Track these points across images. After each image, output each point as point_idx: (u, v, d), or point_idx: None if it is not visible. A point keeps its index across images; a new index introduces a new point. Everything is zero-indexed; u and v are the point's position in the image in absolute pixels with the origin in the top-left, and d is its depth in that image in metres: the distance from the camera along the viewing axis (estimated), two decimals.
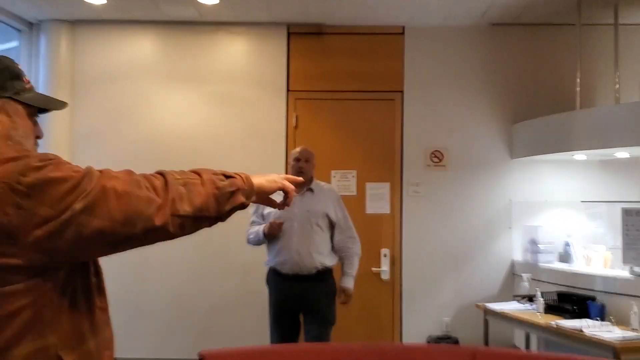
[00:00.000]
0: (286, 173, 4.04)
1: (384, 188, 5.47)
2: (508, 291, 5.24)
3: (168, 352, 5.26)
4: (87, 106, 5.43)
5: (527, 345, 4.86)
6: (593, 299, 4.26)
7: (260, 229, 4.16)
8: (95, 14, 5.25)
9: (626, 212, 4.21)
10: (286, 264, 4.09)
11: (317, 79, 5.49)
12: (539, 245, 4.98)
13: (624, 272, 4.33)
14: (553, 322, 4.03)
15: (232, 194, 1.41)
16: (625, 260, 4.27)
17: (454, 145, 5.47)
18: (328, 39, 5.52)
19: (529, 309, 4.46)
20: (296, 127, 5.45)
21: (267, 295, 4.26)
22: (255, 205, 3.42)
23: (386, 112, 5.52)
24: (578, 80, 5.04)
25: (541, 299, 4.36)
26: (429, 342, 5.05)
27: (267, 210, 4.12)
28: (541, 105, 5.30)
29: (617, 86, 4.90)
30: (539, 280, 4.83)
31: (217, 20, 5.41)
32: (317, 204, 4.22)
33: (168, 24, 5.45)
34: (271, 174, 1.55)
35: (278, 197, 1.62)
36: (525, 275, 4.88)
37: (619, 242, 4.31)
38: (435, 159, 5.50)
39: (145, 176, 1.31)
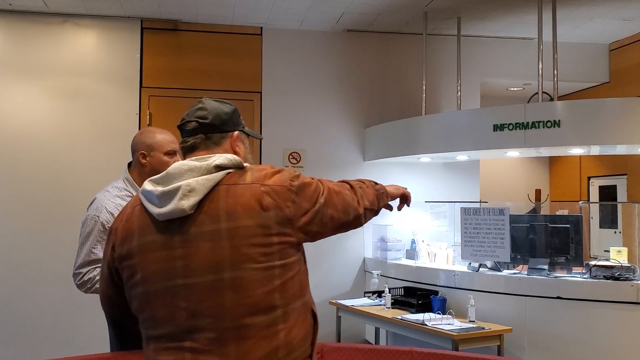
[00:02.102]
0: None
1: None
2: (360, 288, 5.43)
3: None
4: None
5: (377, 340, 5.07)
6: (436, 293, 4.53)
7: None
8: None
9: (464, 211, 4.52)
10: None
11: (173, 76, 5.36)
12: (387, 242, 5.22)
13: (462, 268, 4.65)
14: (399, 316, 4.24)
15: (382, 194, 1.89)
16: (464, 256, 4.59)
17: (311, 147, 5.57)
18: (184, 36, 5.41)
19: (378, 304, 4.65)
20: (150, 124, 5.28)
21: None
22: (100, 232, 2.64)
23: (245, 113, 5.41)
24: (424, 87, 5.34)
25: (389, 294, 4.57)
26: None
27: None
28: (391, 110, 5.56)
29: (459, 93, 5.25)
30: (388, 277, 5.05)
31: (65, 12, 5.11)
32: None
33: (10, 13, 5.06)
34: (393, 184, 2.02)
35: None
36: (375, 272, 5.08)
37: (459, 239, 4.62)
38: (293, 160, 5.57)
39: (343, 182, 1.78)
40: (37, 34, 5.13)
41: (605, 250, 4.77)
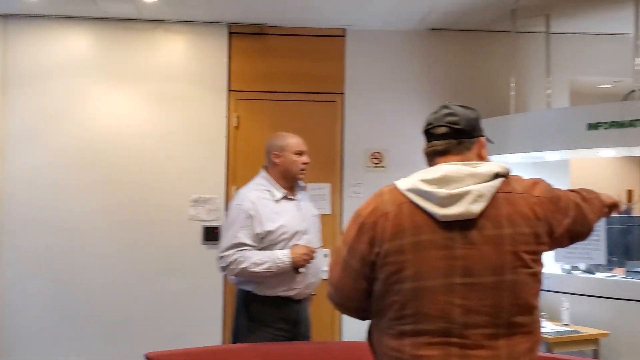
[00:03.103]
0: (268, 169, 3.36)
1: (324, 189, 5.51)
2: None
3: (108, 355, 5.12)
4: (20, 105, 5.21)
5: None
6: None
7: (280, 260, 3.03)
8: (28, 9, 5.04)
9: None
10: (308, 288, 3.25)
11: (259, 80, 5.47)
12: None
13: (556, 270, 4.54)
14: None
15: (603, 206, 1.92)
16: (557, 258, 4.48)
17: (394, 147, 5.56)
18: (270, 40, 5.52)
19: None
20: (237, 127, 5.42)
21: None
22: (243, 219, 2.96)
23: (327, 114, 5.56)
24: (512, 85, 5.24)
25: None
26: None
27: (274, 224, 3.11)
28: (478, 109, 5.46)
29: (549, 91, 5.13)
30: None
31: (156, 18, 5.31)
32: (311, 204, 3.58)
33: (105, 20, 5.30)
34: (603, 192, 2.02)
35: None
36: None
37: None
38: (375, 160, 5.58)
39: (575, 192, 1.84)
40: (129, 40, 5.35)
41: None
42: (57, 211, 5.18)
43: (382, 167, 5.57)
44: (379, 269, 1.68)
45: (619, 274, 4.24)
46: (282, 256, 3.00)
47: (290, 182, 3.21)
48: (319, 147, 5.51)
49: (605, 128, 4.26)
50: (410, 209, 1.67)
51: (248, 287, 3.13)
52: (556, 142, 4.63)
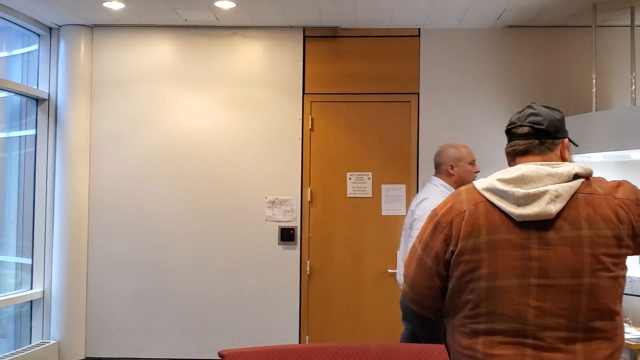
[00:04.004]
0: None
1: (399, 189, 5.50)
2: None
3: (187, 351, 5.32)
4: (106, 110, 5.51)
5: None
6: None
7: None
8: (113, 19, 5.32)
9: None
10: None
11: (333, 82, 5.54)
12: None
13: (638, 271, 4.34)
14: None
15: None
16: None
17: (470, 147, 5.46)
18: (343, 42, 5.56)
19: None
20: (312, 129, 5.49)
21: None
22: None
23: (402, 114, 5.55)
24: (594, 81, 5.05)
25: None
26: None
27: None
28: (558, 107, 5.28)
29: (634, 87, 4.90)
30: None
31: (234, 25, 5.47)
32: None
33: (185, 28, 5.51)
34: None
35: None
36: None
37: None
38: None
39: None
40: (208, 47, 5.54)
41: None
42: (141, 213, 5.43)
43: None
44: (454, 267, 1.69)
45: None
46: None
47: None
48: (394, 148, 5.53)
49: None
50: (486, 208, 1.67)
51: None
52: None
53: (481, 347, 1.63)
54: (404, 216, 5.43)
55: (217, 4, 4.89)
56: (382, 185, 5.50)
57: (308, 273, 5.39)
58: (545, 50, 5.50)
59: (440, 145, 3.48)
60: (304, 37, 5.53)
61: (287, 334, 5.26)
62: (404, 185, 5.50)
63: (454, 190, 3.10)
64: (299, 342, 5.26)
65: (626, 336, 3.79)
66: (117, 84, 5.53)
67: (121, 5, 4.96)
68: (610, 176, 5.25)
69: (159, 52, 5.56)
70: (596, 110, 4.98)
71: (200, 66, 5.53)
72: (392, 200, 5.50)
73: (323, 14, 5.17)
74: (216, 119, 5.50)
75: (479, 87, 5.51)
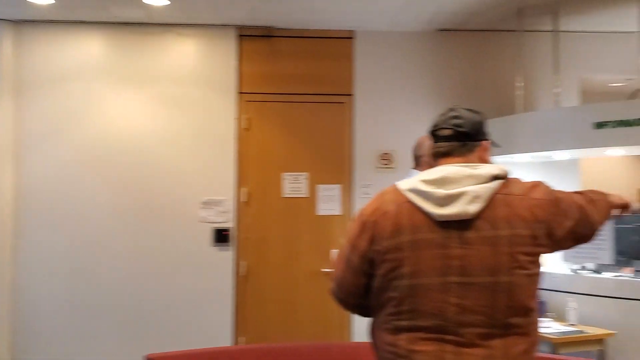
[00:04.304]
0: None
1: (335, 190, 5.55)
2: None
3: (119, 355, 5.21)
4: (34, 109, 5.33)
5: None
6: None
7: None
8: (40, 14, 5.15)
9: None
10: None
11: (268, 82, 5.53)
12: None
13: (564, 270, 4.53)
14: None
15: (611, 207, 1.92)
16: (565, 258, 4.47)
17: (403, 148, 5.53)
18: (278, 42, 5.56)
19: None
20: (247, 129, 5.47)
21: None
22: None
23: (337, 115, 5.60)
24: (519, 85, 5.22)
25: None
26: None
27: None
28: (484, 109, 5.39)
29: (557, 90, 5.11)
30: None
31: (167, 22, 5.39)
32: None
33: (117, 25, 5.39)
34: (613, 193, 2.03)
35: None
36: None
37: None
38: (385, 161, 5.60)
39: (580, 194, 1.84)
40: (140, 44, 5.43)
41: None
42: (70, 212, 5.28)
43: (392, 167, 5.59)
44: (378, 266, 1.73)
45: (626, 273, 4.22)
46: None
47: None
48: (329, 149, 5.57)
49: (612, 127, 4.24)
50: (409, 209, 1.72)
51: None
52: (564, 141, 4.61)
53: (404, 343, 1.67)
54: (339, 216, 5.51)
55: (147, 1, 4.80)
56: (318, 185, 5.53)
57: (243, 274, 5.37)
58: (474, 54, 5.66)
59: (417, 139, 3.51)
60: (239, 36, 5.51)
61: (221, 336, 5.22)
62: (339, 185, 5.55)
63: None
64: (233, 344, 5.23)
65: (548, 330, 3.95)
66: (47, 82, 5.35)
67: (49, 1, 4.80)
68: (535, 176, 5.44)
69: (89, 49, 5.41)
70: (521, 112, 5.16)
71: (132, 64, 5.42)
72: (327, 200, 5.54)
73: (257, 13, 5.16)
74: (149, 118, 5.41)
75: (412, 89, 5.62)
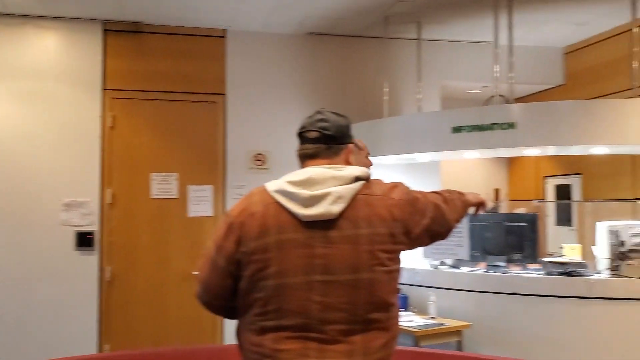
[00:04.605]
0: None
1: (207, 191, 5.47)
2: None
3: None
4: None
5: None
6: (397, 290, 4.62)
7: None
8: None
9: None
10: None
11: (136, 79, 5.34)
12: None
13: (425, 265, 4.76)
14: None
15: (467, 205, 2.05)
16: (426, 254, 4.70)
17: (276, 149, 5.61)
18: (148, 38, 5.40)
19: None
20: (112, 127, 5.26)
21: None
22: None
23: (209, 115, 5.52)
24: (385, 90, 5.44)
25: None
26: None
27: None
28: (353, 112, 5.59)
29: (420, 96, 5.37)
30: None
31: (24, 13, 5.05)
32: None
33: None
34: (471, 192, 2.15)
35: None
36: None
37: None
38: (258, 162, 5.60)
39: (436, 193, 1.94)
40: None
41: (560, 247, 4.94)
42: None
43: (265, 168, 5.60)
44: (245, 267, 1.73)
45: (481, 268, 4.52)
46: None
47: None
48: (200, 149, 5.48)
49: (468, 131, 4.52)
50: (276, 209, 1.73)
51: None
52: (425, 144, 4.85)
53: (269, 342, 1.68)
54: (211, 217, 5.43)
55: None
56: (189, 186, 5.43)
57: (108, 279, 5.15)
58: (343, 58, 5.81)
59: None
60: (104, 30, 5.28)
61: (85, 344, 4.96)
62: (212, 186, 5.48)
63: None
64: (98, 352, 5.01)
65: (410, 324, 4.14)
66: None
67: None
68: (399, 178, 5.68)
69: None
70: (387, 116, 5.37)
71: None
72: (198, 201, 5.45)
73: (124, 8, 4.98)
74: (4, 114, 5.04)
75: (283, 90, 5.67)
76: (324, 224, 1.70)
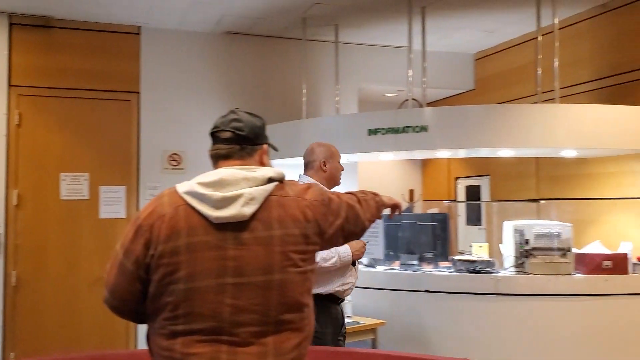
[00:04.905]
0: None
1: (119, 191, 5.32)
2: None
3: None
4: None
5: None
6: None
7: (343, 254, 3.21)
8: None
9: None
10: (352, 285, 3.39)
11: (45, 75, 5.13)
12: None
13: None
14: None
15: (381, 206, 2.07)
16: None
17: (192, 149, 5.53)
18: (58, 34, 5.19)
19: None
20: (19, 125, 5.02)
21: None
22: None
23: (122, 113, 5.38)
24: (304, 91, 5.47)
25: None
26: None
27: None
28: (272, 113, 5.63)
29: (338, 98, 5.44)
30: None
31: None
32: None
33: None
34: (386, 194, 2.17)
35: None
36: None
37: None
38: (174, 162, 5.51)
39: (351, 194, 1.96)
40: None
41: (470, 246, 5.14)
42: None
43: (181, 169, 5.52)
44: (153, 271, 1.69)
45: (395, 267, 4.64)
46: (344, 251, 3.22)
47: (332, 187, 3.41)
48: (113, 148, 5.33)
49: (383, 133, 4.63)
50: (186, 211, 1.70)
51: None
52: (343, 146, 4.87)
53: (179, 347, 1.65)
54: (124, 219, 5.28)
55: None
56: (100, 187, 5.26)
57: (14, 284, 4.91)
58: (262, 59, 5.80)
59: (310, 144, 3.52)
60: (10, 24, 5.03)
61: None
62: (124, 187, 5.34)
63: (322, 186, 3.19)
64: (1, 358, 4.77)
65: None
66: None
67: None
68: (318, 181, 5.61)
69: None
70: (306, 118, 5.41)
71: None
72: (111, 202, 5.30)
73: (32, 1, 4.77)
74: None
75: (200, 90, 5.60)
76: (236, 225, 1.68)
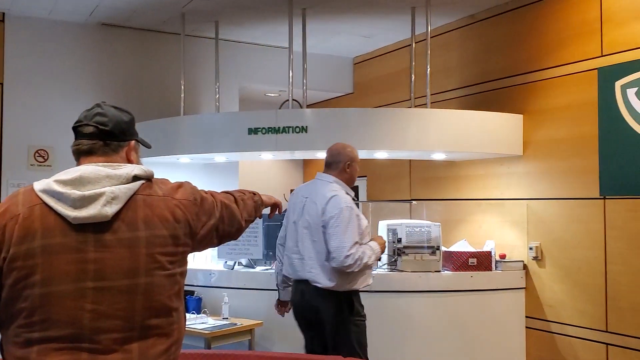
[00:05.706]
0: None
1: None
2: None
3: None
4: None
5: None
6: (192, 293, 4.57)
7: (377, 251, 3.40)
8: None
9: None
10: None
11: None
12: None
13: (220, 266, 4.77)
14: None
15: (259, 205, 2.05)
16: (220, 255, 4.71)
17: (62, 144, 5.21)
18: None
19: None
20: None
21: None
22: (355, 219, 3.29)
23: None
24: (183, 87, 5.35)
25: None
26: None
27: (365, 221, 3.47)
28: (150, 109, 5.45)
29: (218, 96, 5.37)
30: None
31: None
32: None
33: None
34: (266, 193, 2.16)
35: None
36: None
37: None
38: (40, 158, 5.21)
39: (227, 193, 1.93)
40: None
41: None
42: None
43: (48, 165, 5.22)
44: (6, 275, 1.57)
45: (274, 267, 4.63)
46: (375, 247, 3.38)
47: (350, 186, 3.60)
48: None
49: (263, 133, 4.62)
50: (42, 211, 1.58)
51: (348, 285, 3.35)
52: (223, 145, 4.86)
53: (35, 356, 1.54)
54: None
55: None
56: None
57: None
58: (139, 53, 5.61)
59: (335, 144, 3.61)
60: None
61: None
62: None
63: (347, 189, 3.47)
64: None
65: (202, 326, 4.12)
66: None
67: None
68: (197, 178, 5.63)
69: None
70: (184, 114, 5.29)
71: None
72: None
73: None
74: None
75: (72, 83, 5.32)
76: (97, 226, 1.58)
